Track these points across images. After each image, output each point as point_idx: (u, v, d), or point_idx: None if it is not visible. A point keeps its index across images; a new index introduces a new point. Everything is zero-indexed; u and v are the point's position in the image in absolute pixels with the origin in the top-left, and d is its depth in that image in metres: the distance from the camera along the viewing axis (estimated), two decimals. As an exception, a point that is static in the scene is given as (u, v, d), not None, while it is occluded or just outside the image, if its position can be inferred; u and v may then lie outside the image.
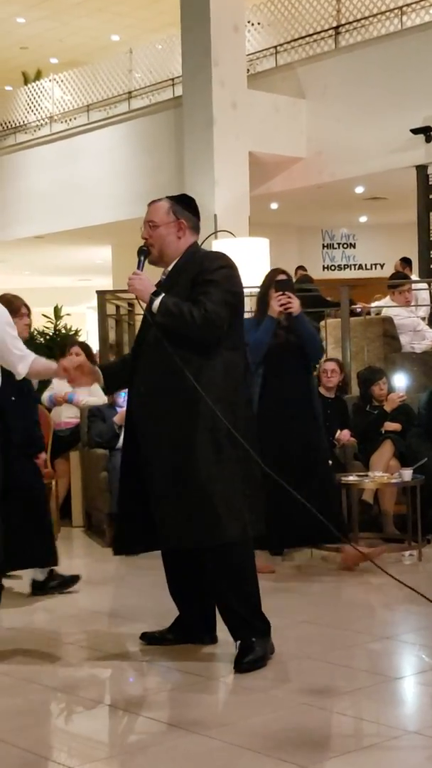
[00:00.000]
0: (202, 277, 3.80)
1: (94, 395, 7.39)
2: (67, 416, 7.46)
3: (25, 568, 5.14)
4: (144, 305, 3.81)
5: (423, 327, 8.93)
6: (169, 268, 3.94)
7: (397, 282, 9.57)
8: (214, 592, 3.88)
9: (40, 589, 5.18)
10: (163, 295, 3.77)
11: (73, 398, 7.46)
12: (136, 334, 4.20)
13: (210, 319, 3.71)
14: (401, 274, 10.61)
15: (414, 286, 10.22)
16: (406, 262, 11.32)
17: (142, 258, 3.91)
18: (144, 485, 3.85)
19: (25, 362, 4.12)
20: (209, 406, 3.67)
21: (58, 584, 5.19)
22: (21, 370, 4.12)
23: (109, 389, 4.31)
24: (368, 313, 8.93)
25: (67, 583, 5.21)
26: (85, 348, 8.07)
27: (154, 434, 3.80)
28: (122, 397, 6.89)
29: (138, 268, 3.88)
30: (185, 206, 3.97)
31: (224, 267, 3.86)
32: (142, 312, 3.89)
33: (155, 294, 3.78)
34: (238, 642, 3.80)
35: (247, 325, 5.48)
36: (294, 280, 12.17)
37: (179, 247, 3.91)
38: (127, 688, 3.72)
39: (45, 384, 7.78)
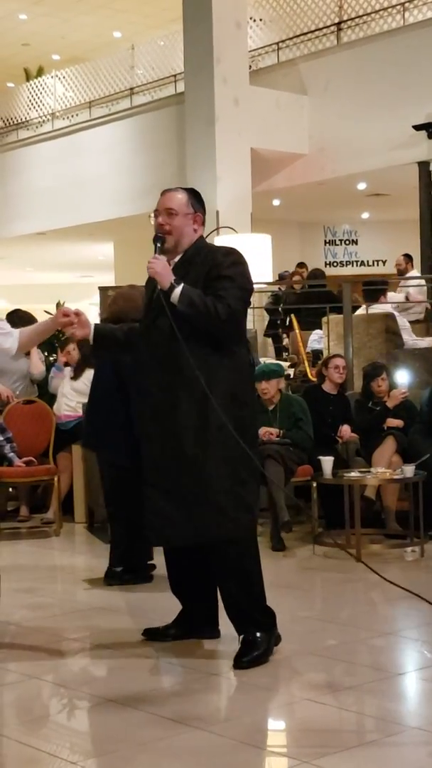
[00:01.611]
0: (218, 271, 3.78)
1: None
2: (66, 409, 7.46)
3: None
4: (159, 291, 3.73)
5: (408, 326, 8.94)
6: (176, 259, 3.89)
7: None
8: (220, 587, 3.89)
9: (113, 578, 5.29)
10: (183, 284, 3.72)
11: None
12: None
13: (232, 314, 3.72)
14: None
15: (416, 282, 10.26)
16: (408, 258, 11.32)
17: (159, 245, 3.83)
18: (158, 480, 3.80)
19: (12, 337, 4.08)
20: (217, 402, 3.66)
21: (131, 578, 5.27)
22: (9, 346, 4.09)
23: (97, 348, 4.11)
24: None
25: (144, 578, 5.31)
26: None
27: (162, 427, 3.77)
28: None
29: (156, 254, 3.81)
30: (199, 200, 3.96)
31: (238, 263, 3.85)
32: (150, 301, 3.83)
33: (175, 282, 3.72)
34: (242, 636, 3.81)
35: None
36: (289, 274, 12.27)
37: (192, 239, 3.89)
38: (130, 684, 3.72)
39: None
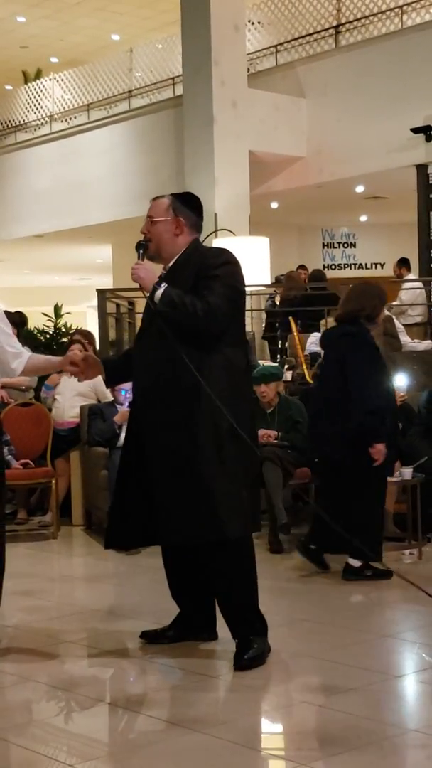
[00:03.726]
0: (205, 272, 3.81)
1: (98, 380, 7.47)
2: (70, 416, 7.44)
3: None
4: (146, 295, 3.82)
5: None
6: (170, 264, 3.94)
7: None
8: (215, 589, 3.89)
9: (353, 574, 5.24)
10: (166, 285, 3.78)
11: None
12: (137, 332, 4.21)
13: (212, 311, 3.72)
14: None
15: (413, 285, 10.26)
16: (403, 263, 11.34)
17: (141, 252, 3.92)
18: (145, 480, 3.84)
19: (20, 359, 4.12)
20: (211, 402, 3.67)
21: (373, 574, 5.23)
22: (15, 367, 4.13)
23: (110, 382, 4.32)
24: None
25: (382, 575, 5.22)
26: (87, 335, 8.09)
27: (157, 429, 3.80)
28: (123, 394, 6.89)
29: (138, 260, 3.90)
30: (186, 204, 3.97)
31: (227, 263, 3.87)
32: (144, 306, 3.91)
33: (158, 284, 3.79)
34: (237, 640, 3.81)
35: None
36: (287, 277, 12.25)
37: (177, 244, 3.91)
38: (127, 687, 3.72)
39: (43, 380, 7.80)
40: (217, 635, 4.06)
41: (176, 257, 3.91)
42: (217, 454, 3.71)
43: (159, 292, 3.76)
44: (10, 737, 3.17)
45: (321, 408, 5.43)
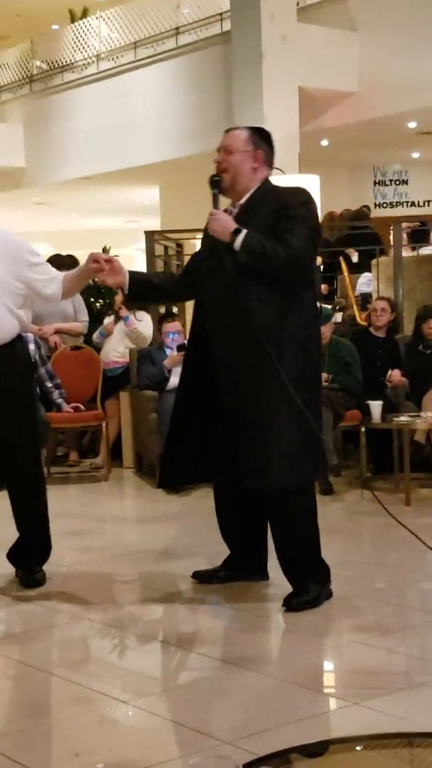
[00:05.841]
0: (285, 212, 3.68)
1: (145, 322, 7.48)
2: (115, 355, 7.47)
3: None
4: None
5: None
6: (242, 200, 3.80)
7: None
8: (276, 536, 3.85)
9: None
10: (245, 231, 3.64)
11: (128, 320, 7.36)
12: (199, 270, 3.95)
13: (295, 256, 3.62)
14: None
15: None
16: None
17: (216, 191, 3.77)
18: (201, 420, 3.82)
19: (55, 283, 3.96)
20: (285, 348, 3.62)
21: None
22: (52, 292, 3.96)
23: (131, 296, 4.11)
24: None
25: None
26: None
27: (229, 372, 3.71)
28: (171, 337, 6.88)
29: (213, 205, 3.74)
30: (264, 138, 3.85)
31: (307, 203, 3.76)
32: (210, 246, 3.75)
33: (236, 232, 3.64)
34: (293, 584, 3.81)
35: None
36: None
37: (254, 178, 3.79)
38: (179, 626, 3.76)
39: (94, 327, 7.79)
40: (268, 576, 4.07)
41: (250, 193, 3.78)
42: (289, 400, 3.62)
43: (239, 240, 3.62)
44: (64, 674, 3.23)
45: None
